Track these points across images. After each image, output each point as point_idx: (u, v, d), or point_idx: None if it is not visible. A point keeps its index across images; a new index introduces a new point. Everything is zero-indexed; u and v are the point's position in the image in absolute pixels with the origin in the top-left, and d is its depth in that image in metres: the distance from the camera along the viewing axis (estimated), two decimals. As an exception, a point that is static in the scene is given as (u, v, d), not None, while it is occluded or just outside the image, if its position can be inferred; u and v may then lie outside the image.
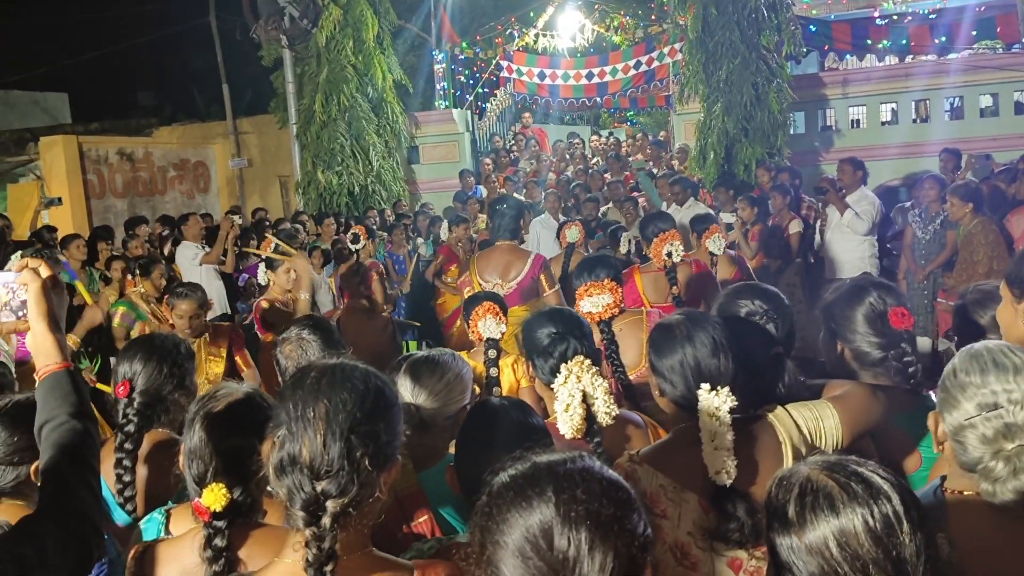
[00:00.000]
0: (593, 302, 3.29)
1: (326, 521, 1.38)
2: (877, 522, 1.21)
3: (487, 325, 3.27)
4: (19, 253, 5.98)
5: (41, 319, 1.71)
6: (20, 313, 1.74)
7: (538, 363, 2.55)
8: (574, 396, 2.13)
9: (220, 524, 1.77)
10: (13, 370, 3.40)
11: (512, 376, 3.68)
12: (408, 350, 8.18)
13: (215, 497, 1.75)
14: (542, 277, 5.09)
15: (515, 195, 11.58)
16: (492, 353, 3.20)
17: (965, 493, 1.64)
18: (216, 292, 7.92)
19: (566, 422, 2.11)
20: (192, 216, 8.80)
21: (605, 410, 2.16)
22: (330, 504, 1.38)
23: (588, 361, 2.20)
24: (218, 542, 1.76)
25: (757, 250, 7.67)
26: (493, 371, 3.23)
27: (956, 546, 1.44)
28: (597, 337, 3.37)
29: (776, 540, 1.30)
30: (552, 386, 2.19)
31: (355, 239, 6.77)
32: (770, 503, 1.35)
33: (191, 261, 8.00)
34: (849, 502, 1.24)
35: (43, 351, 1.71)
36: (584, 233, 6.49)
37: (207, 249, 8.18)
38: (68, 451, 1.64)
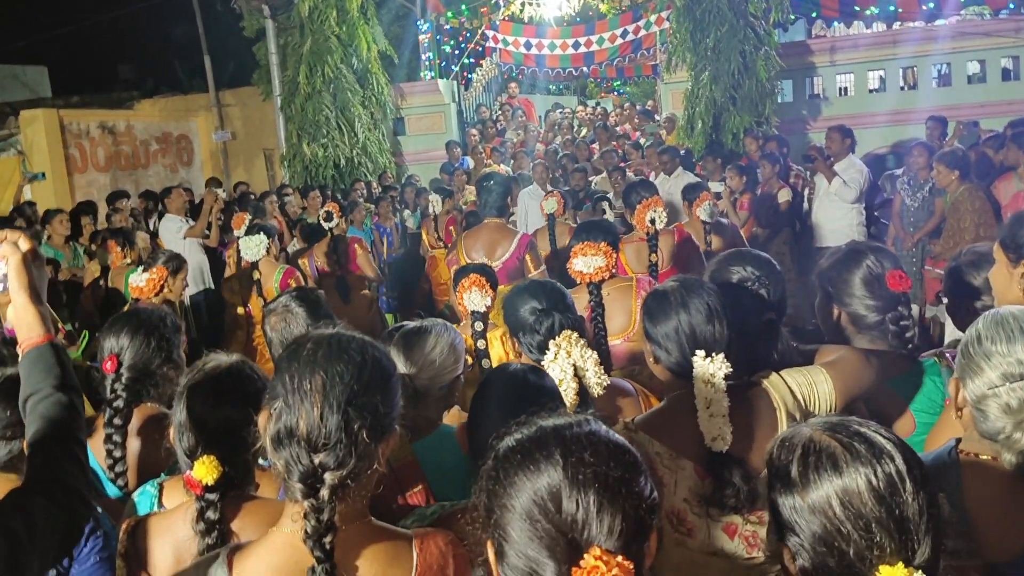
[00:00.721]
0: (586, 262, 3.34)
1: (324, 493, 1.38)
2: (880, 481, 1.21)
3: (472, 298, 3.26)
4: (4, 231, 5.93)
5: (22, 291, 1.68)
6: (1, 286, 1.71)
7: (524, 340, 2.55)
8: (566, 372, 2.13)
9: (212, 497, 1.76)
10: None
11: (502, 349, 3.60)
12: (392, 323, 8.18)
13: (207, 470, 1.74)
14: (527, 257, 5.04)
15: (502, 166, 11.54)
16: (478, 326, 3.20)
17: (981, 457, 1.64)
18: (199, 265, 7.87)
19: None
20: (175, 189, 8.72)
21: (596, 381, 2.16)
22: (328, 476, 1.38)
23: (575, 335, 2.19)
24: (210, 515, 1.75)
25: (746, 219, 7.67)
26: (480, 343, 3.24)
27: (970, 508, 1.44)
28: (583, 302, 3.37)
29: (778, 500, 1.30)
30: (542, 363, 2.18)
31: (328, 217, 6.68)
32: (772, 463, 1.34)
33: (175, 234, 7.93)
34: (852, 461, 1.24)
35: (25, 324, 1.69)
36: (563, 203, 6.49)
37: (191, 222, 8.12)
38: (54, 424, 1.62)
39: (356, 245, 6.79)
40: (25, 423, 1.64)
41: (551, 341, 2.21)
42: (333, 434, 1.38)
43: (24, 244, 1.71)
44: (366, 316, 6.66)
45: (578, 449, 1.13)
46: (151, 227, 9.08)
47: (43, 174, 12.01)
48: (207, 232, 8.05)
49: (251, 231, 5.44)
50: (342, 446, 1.38)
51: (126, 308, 4.24)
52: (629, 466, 1.14)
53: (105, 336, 2.56)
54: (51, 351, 1.68)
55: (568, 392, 2.11)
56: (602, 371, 2.19)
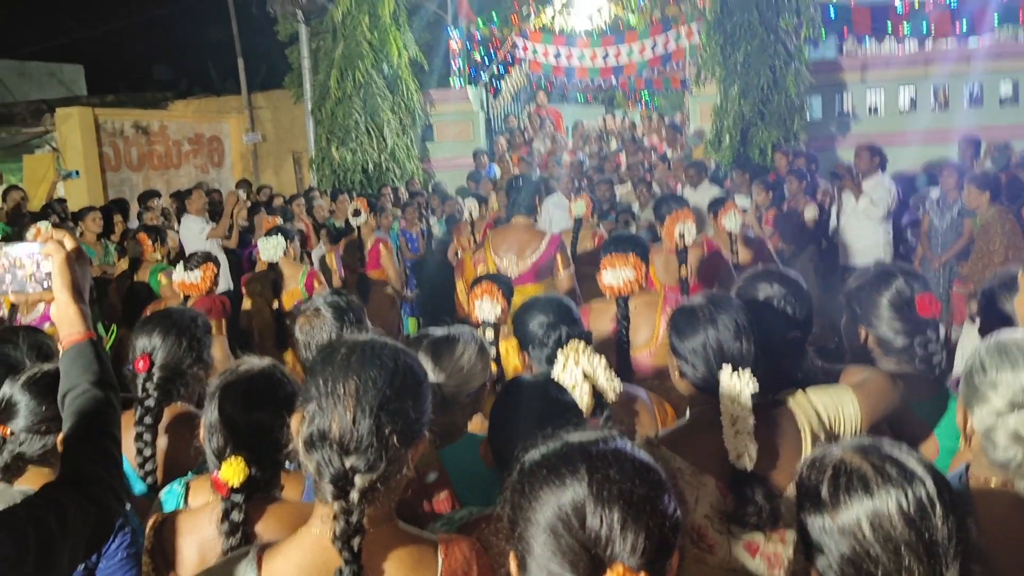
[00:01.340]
0: (615, 274, 3.40)
1: (354, 496, 1.40)
2: (911, 505, 1.22)
3: (483, 307, 3.29)
4: (38, 225, 6.02)
5: (65, 289, 1.73)
6: (45, 284, 1.76)
7: (534, 353, 2.61)
8: (577, 377, 2.16)
9: (238, 498, 1.79)
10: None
11: (517, 359, 3.52)
12: (408, 328, 8.20)
13: (233, 471, 1.77)
14: (558, 256, 5.11)
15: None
16: (489, 335, 3.21)
17: (992, 482, 1.64)
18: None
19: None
20: (196, 190, 8.83)
21: (610, 386, 2.19)
22: (358, 479, 1.40)
23: (583, 343, 2.22)
24: (235, 516, 1.78)
25: (771, 234, 7.64)
26: (492, 351, 3.14)
27: (983, 534, 1.44)
28: (610, 314, 3.39)
29: (808, 520, 1.31)
30: (552, 375, 2.21)
31: (356, 212, 6.75)
32: (802, 483, 1.35)
33: (197, 235, 8.02)
34: (883, 484, 1.25)
35: (67, 321, 1.73)
36: (591, 206, 6.53)
37: (211, 223, 8.22)
38: (90, 419, 1.66)
39: (380, 245, 6.82)
40: (62, 417, 1.68)
41: (559, 351, 2.24)
42: (365, 438, 1.40)
43: (69, 243, 1.76)
44: (387, 315, 6.71)
45: (604, 465, 1.13)
46: (177, 227, 9.19)
47: (77, 172, 12.19)
48: (228, 233, 8.13)
49: (269, 233, 5.53)
50: (373, 450, 1.41)
51: (161, 306, 4.36)
52: (654, 484, 1.14)
53: (137, 335, 2.61)
54: (91, 348, 1.72)
55: (583, 396, 2.13)
56: (614, 375, 2.21)
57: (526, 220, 5.35)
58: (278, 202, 10.08)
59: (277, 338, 5.23)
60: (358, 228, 6.73)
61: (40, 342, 2.87)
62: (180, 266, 4.65)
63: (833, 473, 1.30)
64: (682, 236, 4.67)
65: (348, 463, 1.40)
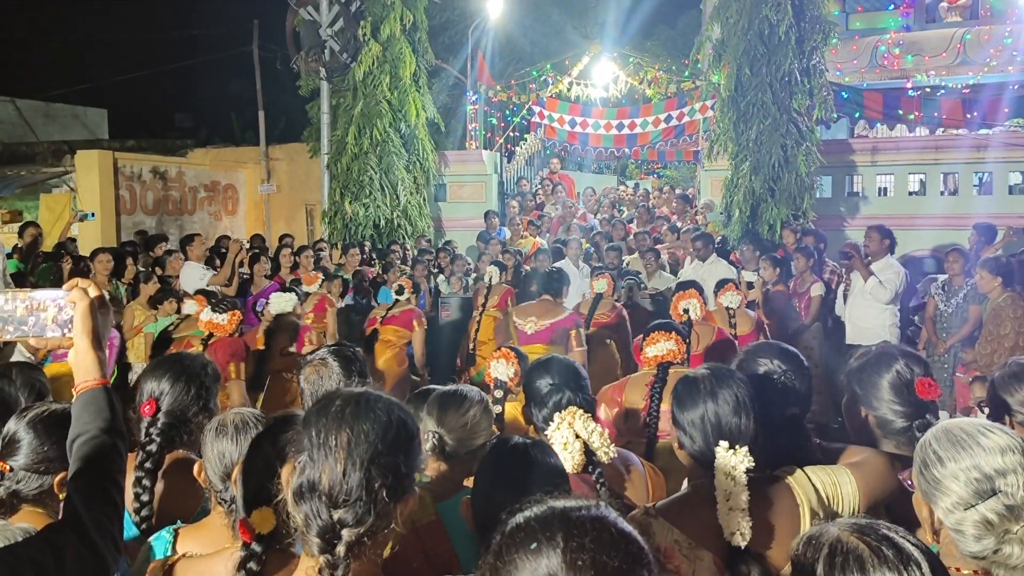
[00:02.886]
0: (657, 348, 3.79)
1: (340, 549, 1.39)
2: None
3: (498, 367, 3.50)
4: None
5: (85, 336, 1.76)
6: (66, 329, 1.79)
7: (534, 412, 2.65)
8: (567, 437, 2.20)
9: (258, 548, 1.74)
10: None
11: (520, 420, 3.76)
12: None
13: (264, 518, 1.74)
14: (573, 333, 5.62)
15: (537, 239, 11.67)
16: (499, 393, 3.40)
17: (963, 572, 1.62)
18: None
19: (566, 459, 2.17)
20: (197, 237, 8.93)
21: (604, 450, 2.23)
22: (346, 533, 1.39)
23: (580, 411, 2.24)
24: (253, 565, 1.74)
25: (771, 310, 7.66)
26: (497, 408, 3.43)
27: None
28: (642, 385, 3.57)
29: None
30: (546, 433, 2.23)
31: (400, 291, 7.20)
32: (797, 560, 1.35)
33: (198, 281, 8.07)
34: (879, 566, 1.24)
35: (84, 367, 1.76)
36: (612, 285, 6.96)
37: (211, 271, 8.31)
38: (96, 465, 1.68)
39: (415, 320, 7.08)
40: (69, 460, 1.70)
41: (556, 415, 2.27)
42: (354, 491, 1.40)
43: (93, 291, 1.80)
44: (388, 375, 6.87)
45: (580, 534, 1.10)
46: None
47: (93, 214, 12.35)
48: (228, 281, 8.20)
49: (285, 290, 6.04)
50: (362, 503, 1.40)
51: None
52: (631, 556, 1.11)
53: (146, 379, 2.61)
54: (104, 395, 1.75)
55: (573, 453, 2.16)
56: (608, 440, 2.23)
57: (554, 300, 5.94)
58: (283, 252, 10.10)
59: (253, 381, 5.39)
60: (396, 301, 7.18)
61: (34, 379, 2.89)
62: (208, 308, 5.04)
63: (829, 552, 1.30)
64: (686, 311, 5.07)
65: (336, 516, 1.40)
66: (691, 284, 5.55)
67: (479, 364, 7.21)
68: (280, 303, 5.86)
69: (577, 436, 2.21)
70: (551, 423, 2.25)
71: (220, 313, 4.93)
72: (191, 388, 2.57)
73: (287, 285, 6.27)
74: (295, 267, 9.03)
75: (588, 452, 2.21)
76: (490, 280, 7.75)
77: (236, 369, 4.80)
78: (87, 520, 1.61)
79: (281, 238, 11.61)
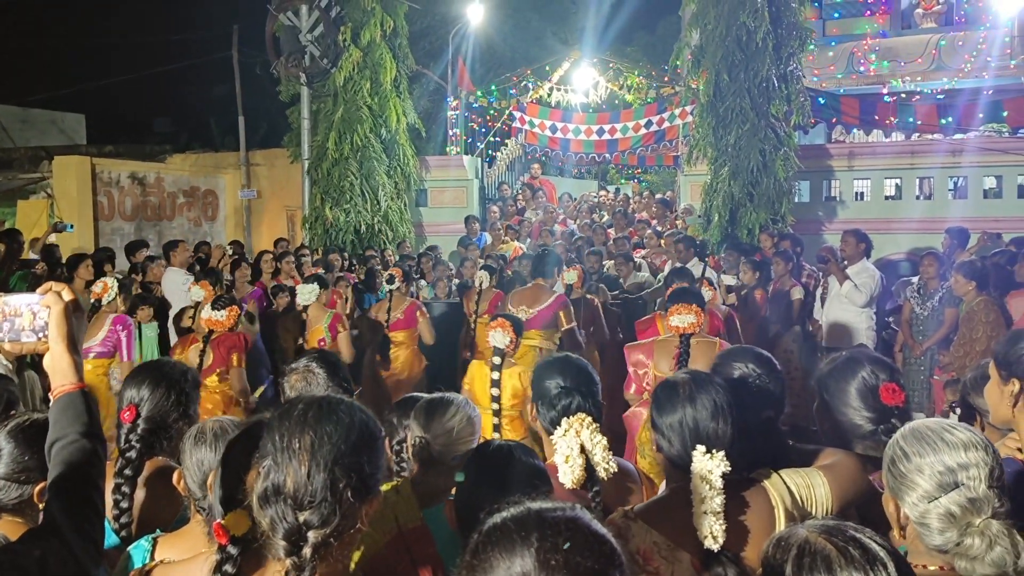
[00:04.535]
0: (680, 318, 4.21)
1: (307, 552, 1.40)
2: None
3: (495, 335, 3.97)
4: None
5: (60, 340, 1.76)
6: (41, 334, 1.79)
7: (542, 410, 2.60)
8: (572, 449, 2.18)
9: (234, 550, 1.75)
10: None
11: (519, 383, 4.27)
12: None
13: (237, 521, 1.75)
14: (561, 313, 6.17)
15: (517, 243, 11.70)
16: (496, 360, 3.88)
17: (929, 568, 1.65)
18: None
19: (566, 473, 2.16)
20: (181, 243, 8.88)
21: (604, 465, 2.20)
22: (312, 535, 1.41)
23: (589, 419, 2.24)
24: (228, 568, 1.75)
25: (751, 314, 7.72)
26: (495, 375, 4.07)
27: None
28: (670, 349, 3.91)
29: None
30: (551, 436, 2.24)
31: (390, 280, 7.32)
32: (767, 562, 1.38)
33: (180, 287, 8.03)
34: (846, 566, 1.27)
35: (60, 371, 1.76)
36: (582, 276, 7.15)
37: (191, 276, 8.27)
38: (76, 470, 1.68)
39: (417, 311, 7.24)
40: (49, 467, 1.70)
41: (564, 419, 2.26)
42: (319, 492, 1.41)
43: (67, 295, 1.80)
44: (408, 374, 7.13)
45: (554, 534, 1.12)
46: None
47: (71, 226, 12.26)
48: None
49: (308, 281, 6.56)
50: (327, 504, 1.41)
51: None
52: (604, 557, 1.13)
53: (127, 386, 2.60)
54: (81, 399, 1.75)
55: (574, 469, 2.15)
56: (610, 456, 2.22)
57: (544, 281, 6.44)
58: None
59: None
60: (390, 293, 7.30)
61: (3, 389, 2.87)
62: (209, 305, 5.51)
63: (797, 553, 1.33)
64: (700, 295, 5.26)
65: (302, 518, 1.41)
66: (683, 275, 5.67)
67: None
68: (306, 294, 6.27)
69: (581, 448, 2.19)
70: (559, 427, 2.25)
71: (219, 310, 5.40)
72: (171, 394, 2.55)
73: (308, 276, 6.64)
74: (276, 273, 9.00)
75: (588, 468, 2.20)
76: (480, 285, 7.72)
77: (238, 359, 5.36)
78: (69, 525, 1.62)
79: (276, 243, 11.54)
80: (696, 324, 4.19)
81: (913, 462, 1.65)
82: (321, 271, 9.52)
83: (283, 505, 1.41)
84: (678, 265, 7.53)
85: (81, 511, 1.65)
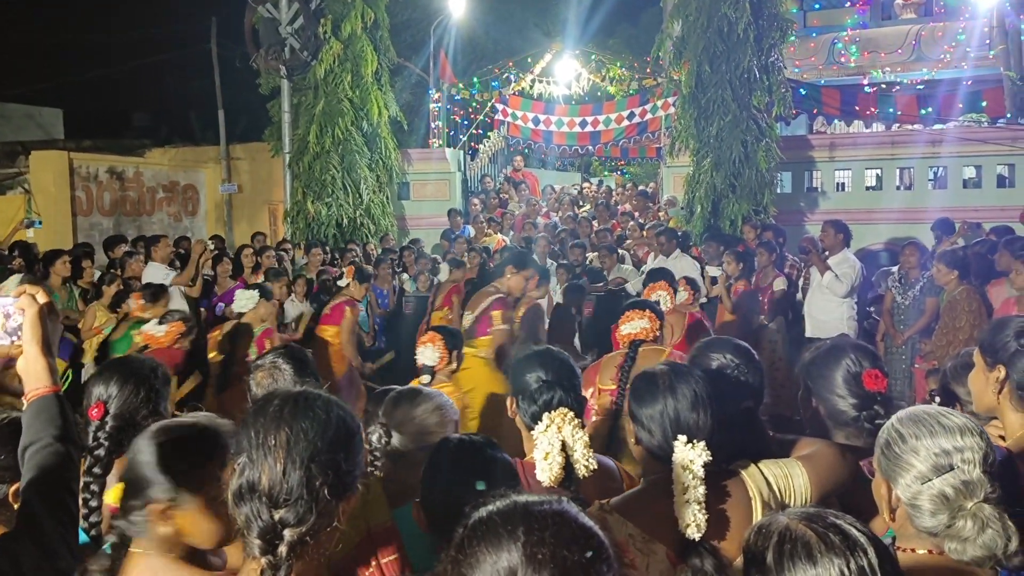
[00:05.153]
0: (631, 325, 3.95)
1: (282, 550, 1.38)
2: (852, 573, 1.24)
3: (424, 352, 3.71)
4: (15, 278, 5.95)
5: (34, 343, 1.74)
6: (14, 337, 1.77)
7: (522, 405, 2.55)
8: (553, 445, 2.14)
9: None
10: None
11: (483, 373, 4.31)
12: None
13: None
14: (493, 314, 5.62)
15: (500, 235, 11.68)
16: (425, 379, 3.56)
17: (918, 551, 1.66)
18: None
19: (545, 470, 2.12)
20: (163, 238, 8.82)
21: (584, 463, 2.17)
22: (287, 533, 1.38)
23: (571, 414, 2.21)
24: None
25: (736, 305, 7.74)
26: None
27: None
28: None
29: None
30: (532, 432, 2.20)
31: (339, 276, 7.18)
32: (748, 549, 1.37)
33: (161, 282, 7.95)
34: (827, 552, 1.27)
35: (34, 374, 1.74)
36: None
37: (174, 272, 8.20)
38: (49, 473, 1.67)
39: (347, 307, 6.95)
40: (22, 470, 1.67)
41: (545, 414, 2.22)
42: (295, 490, 1.39)
43: (41, 298, 1.78)
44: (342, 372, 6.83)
45: (541, 528, 1.11)
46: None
47: (39, 222, 12.17)
48: (192, 282, 8.09)
49: (251, 288, 6.04)
50: (303, 502, 1.39)
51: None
52: (591, 551, 1.12)
53: (95, 382, 2.54)
54: (55, 402, 1.73)
55: (553, 466, 2.12)
56: (591, 453, 2.19)
57: (497, 283, 5.86)
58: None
59: (218, 384, 5.46)
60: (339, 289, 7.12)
61: None
62: (154, 321, 5.14)
63: (778, 540, 1.32)
64: (657, 303, 5.05)
65: (277, 516, 1.39)
66: (661, 274, 5.55)
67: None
68: (243, 301, 5.85)
69: (562, 445, 2.15)
70: (540, 422, 2.21)
71: (160, 325, 5.08)
72: (140, 391, 2.50)
73: (263, 285, 6.33)
74: (257, 268, 8.94)
75: (567, 466, 2.16)
76: (438, 279, 7.66)
77: None
78: (43, 528, 1.61)
79: (253, 237, 11.47)
80: (649, 330, 3.91)
81: (909, 444, 1.66)
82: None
83: (258, 503, 1.39)
84: (657, 266, 7.22)
85: (56, 515, 1.64)
